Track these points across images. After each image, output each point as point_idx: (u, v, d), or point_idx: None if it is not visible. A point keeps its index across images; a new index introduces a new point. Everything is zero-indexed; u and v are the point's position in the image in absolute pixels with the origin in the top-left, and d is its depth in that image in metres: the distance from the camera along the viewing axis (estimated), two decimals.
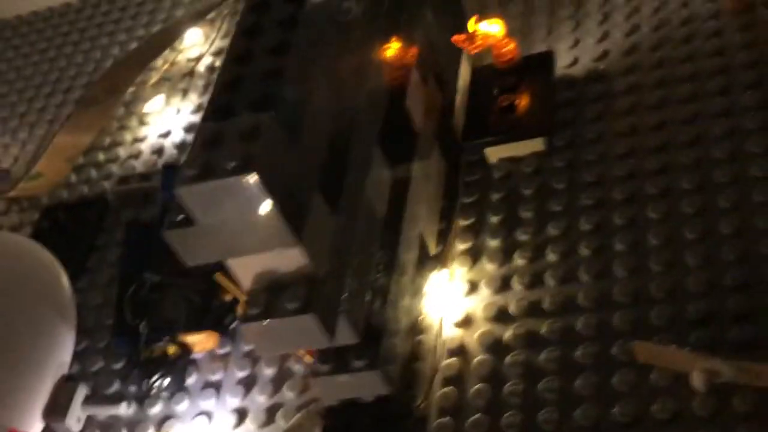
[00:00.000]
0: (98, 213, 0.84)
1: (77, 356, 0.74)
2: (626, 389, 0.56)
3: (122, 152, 0.90)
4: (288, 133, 0.49)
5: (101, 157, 0.91)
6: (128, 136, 0.91)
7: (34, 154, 0.92)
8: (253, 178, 0.45)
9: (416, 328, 0.63)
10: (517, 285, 0.64)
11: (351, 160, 0.57)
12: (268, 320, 0.50)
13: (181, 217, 0.49)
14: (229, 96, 0.50)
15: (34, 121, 0.99)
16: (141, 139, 0.90)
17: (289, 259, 0.50)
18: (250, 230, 0.48)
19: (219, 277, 0.63)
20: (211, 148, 0.47)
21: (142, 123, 0.92)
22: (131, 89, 0.95)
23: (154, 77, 0.94)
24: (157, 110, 0.92)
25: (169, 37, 0.92)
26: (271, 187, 0.46)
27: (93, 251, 0.82)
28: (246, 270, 0.51)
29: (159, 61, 0.96)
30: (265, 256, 0.50)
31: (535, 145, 0.71)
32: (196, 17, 0.93)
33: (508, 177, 0.71)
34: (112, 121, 0.93)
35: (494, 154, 0.72)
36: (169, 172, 0.78)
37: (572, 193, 0.68)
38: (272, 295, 0.50)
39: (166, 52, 0.95)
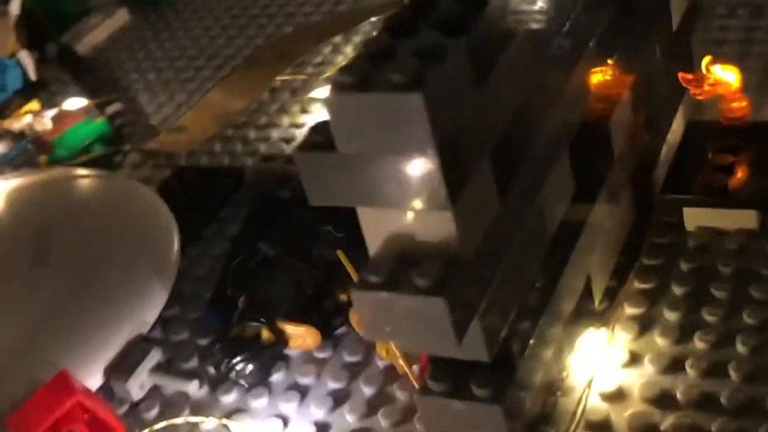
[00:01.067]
0: (231, 185, 0.76)
1: (163, 322, 0.66)
2: None
3: (275, 134, 0.83)
4: (473, 73, 0.39)
5: (252, 134, 0.84)
6: (286, 120, 0.84)
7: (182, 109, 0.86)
8: (419, 101, 0.36)
9: (554, 387, 0.51)
10: (690, 370, 0.52)
11: (532, 156, 0.46)
12: (388, 293, 0.39)
13: (321, 139, 0.39)
14: (412, 14, 0.40)
15: (194, 89, 0.93)
16: (298, 126, 0.83)
17: (434, 226, 0.39)
18: (398, 175, 0.38)
19: (341, 255, 0.53)
20: (376, 60, 0.38)
21: (304, 111, 0.85)
22: (303, 77, 0.88)
23: (329, 71, 0.87)
24: (322, 100, 0.84)
25: (353, 20, 0.85)
26: (437, 120, 0.36)
27: (215, 221, 0.75)
28: (378, 228, 0.41)
29: (339, 57, 0.89)
30: (406, 216, 0.40)
31: (746, 219, 0.59)
32: (385, 7, 0.85)
33: (705, 249, 0.59)
34: (271, 104, 0.86)
35: (694, 219, 0.60)
36: None
37: None
38: (401, 266, 0.40)
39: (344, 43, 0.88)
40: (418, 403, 0.46)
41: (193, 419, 0.56)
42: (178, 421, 0.55)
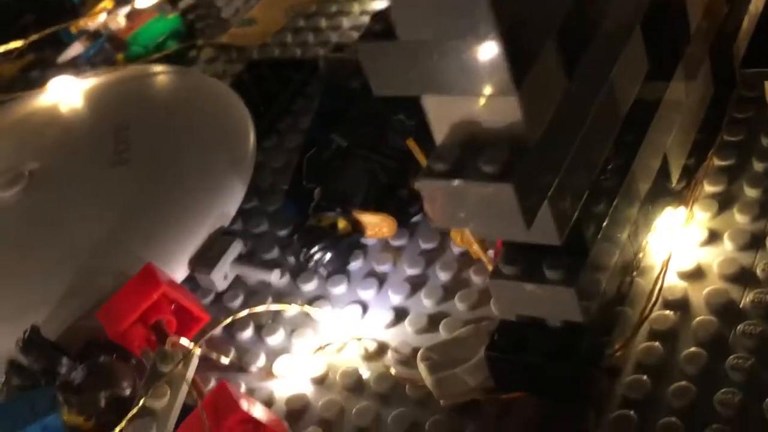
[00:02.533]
0: (304, 76, 0.77)
1: (243, 215, 0.67)
2: None
3: (346, 22, 0.82)
4: None
5: (323, 23, 0.83)
6: (356, 7, 0.83)
7: (252, 2, 0.85)
8: None
9: (630, 267, 0.51)
10: None
11: (602, 33, 0.45)
12: (455, 181, 0.39)
13: (382, 28, 0.39)
14: None
15: None
16: (369, 12, 0.82)
17: (500, 112, 0.39)
18: (461, 60, 0.37)
19: (411, 143, 0.53)
20: None
21: None
22: None
23: None
24: None
25: None
26: (497, 1, 0.35)
27: (288, 114, 0.75)
28: (443, 116, 0.41)
29: None
30: (471, 102, 0.39)
31: None
32: None
33: None
34: None
35: None
36: None
37: None
38: (467, 152, 0.40)
39: None
40: (491, 286, 0.46)
41: (274, 307, 0.57)
42: (260, 309, 0.57)
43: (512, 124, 0.39)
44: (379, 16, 0.39)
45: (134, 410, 0.49)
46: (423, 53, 0.38)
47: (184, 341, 0.53)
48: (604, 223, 0.46)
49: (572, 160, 0.42)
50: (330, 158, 0.61)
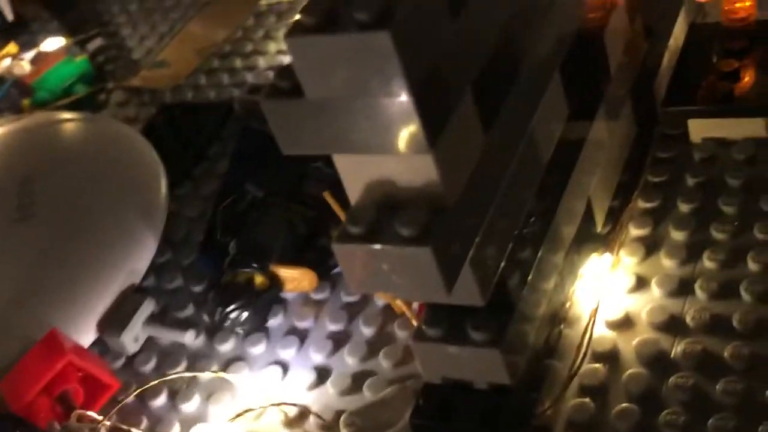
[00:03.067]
0: (219, 119, 0.74)
1: (156, 269, 0.64)
2: None
3: (262, 62, 0.79)
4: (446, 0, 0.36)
5: (238, 63, 0.80)
6: (273, 47, 0.81)
7: (164, 42, 0.82)
8: (386, 39, 0.33)
9: (558, 318, 0.49)
10: (700, 292, 0.49)
11: (520, 81, 0.43)
12: (372, 245, 0.37)
13: (287, 85, 0.37)
14: None
15: (177, 18, 0.90)
16: (286, 52, 0.80)
17: (415, 171, 0.37)
18: (372, 119, 0.35)
19: (328, 196, 0.51)
20: None
21: None
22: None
23: None
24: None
25: None
26: (408, 57, 0.33)
27: (203, 159, 0.72)
28: (357, 175, 0.38)
29: None
30: (385, 161, 0.37)
31: (755, 127, 0.55)
32: None
33: (712, 161, 0.56)
34: (256, 30, 0.83)
35: (699, 130, 0.57)
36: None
37: None
38: (383, 214, 0.37)
39: None
40: (414, 349, 0.44)
41: (188, 374, 0.54)
42: (173, 376, 0.54)
43: (429, 184, 0.37)
44: (284, 70, 0.37)
45: None
46: (331, 112, 0.36)
47: (91, 414, 0.49)
48: (529, 276, 0.44)
49: (493, 215, 0.40)
50: (245, 209, 0.58)
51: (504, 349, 0.41)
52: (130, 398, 0.55)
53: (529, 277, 0.45)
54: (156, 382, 0.53)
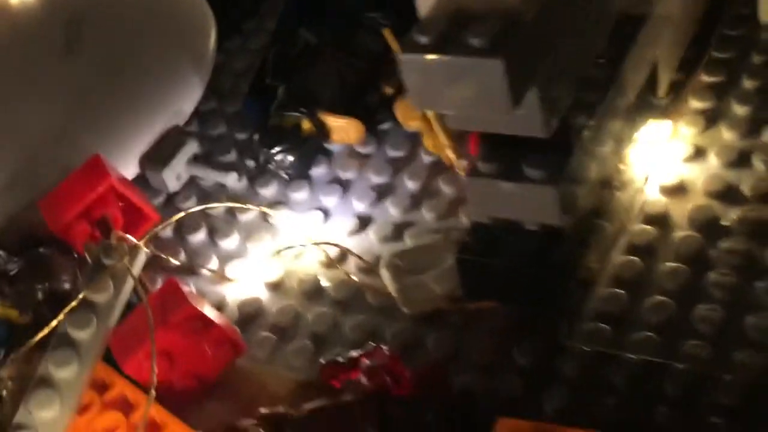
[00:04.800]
0: None
1: (201, 117, 0.63)
2: None
3: None
4: None
5: None
6: None
7: None
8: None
9: (611, 180, 0.48)
10: (759, 164, 0.48)
11: None
12: (439, 54, 0.36)
13: None
14: None
15: None
16: None
17: None
18: None
19: (387, 34, 0.50)
20: None
21: None
22: None
23: None
24: None
25: None
26: None
27: (254, 15, 0.71)
28: None
29: None
30: None
31: None
32: None
33: None
34: None
35: None
36: None
37: None
38: (454, 25, 0.36)
39: None
40: (467, 184, 0.43)
41: (230, 205, 0.54)
42: (215, 205, 0.53)
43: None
44: None
45: (73, 303, 0.45)
46: None
47: (131, 238, 0.49)
48: (591, 123, 0.43)
49: (566, 46, 0.39)
50: (297, 55, 0.57)
51: (560, 188, 0.40)
52: (169, 231, 0.55)
53: (590, 126, 0.43)
54: (197, 209, 0.52)
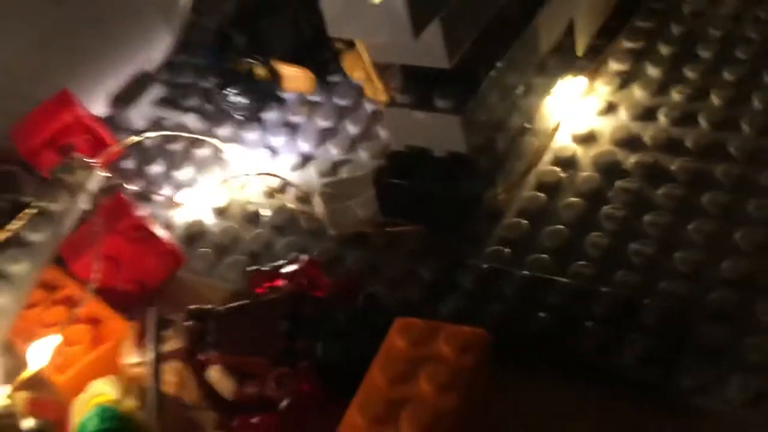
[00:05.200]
0: None
1: (172, 67, 0.68)
2: (748, 247, 0.44)
3: None
4: None
5: None
6: None
7: None
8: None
9: (523, 125, 0.52)
10: (663, 118, 0.53)
11: None
12: None
13: None
14: None
15: None
16: None
17: None
18: None
19: None
20: None
21: None
22: None
23: None
24: None
25: None
26: None
27: None
28: None
29: None
30: None
31: None
32: None
33: (699, 15, 0.59)
34: None
35: None
36: None
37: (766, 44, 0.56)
38: None
39: None
40: (385, 114, 0.48)
41: (181, 135, 0.59)
42: (167, 133, 0.58)
43: None
44: None
45: (30, 211, 0.50)
46: None
47: (87, 160, 0.54)
48: (498, 63, 0.48)
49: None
50: (257, 6, 0.62)
51: (464, 117, 0.45)
52: (131, 161, 0.60)
53: (498, 66, 0.48)
54: (154, 135, 0.57)
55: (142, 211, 0.54)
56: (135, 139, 0.56)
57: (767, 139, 0.50)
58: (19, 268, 0.48)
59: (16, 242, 0.49)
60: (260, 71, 0.61)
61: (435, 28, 0.42)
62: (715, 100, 0.53)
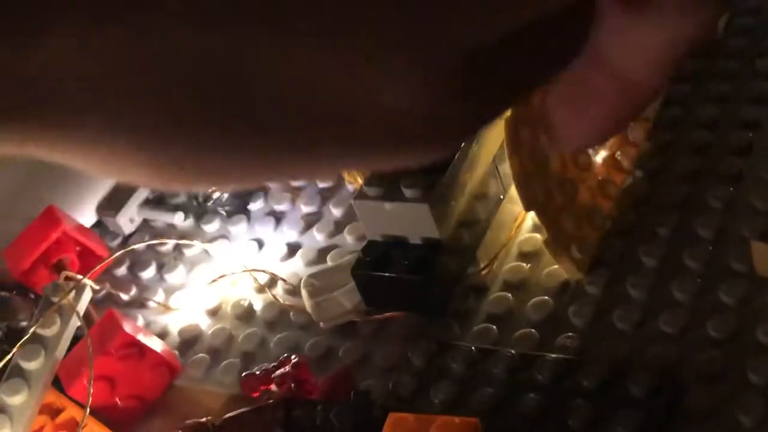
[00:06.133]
0: None
1: None
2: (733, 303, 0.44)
3: None
4: None
5: None
6: None
7: None
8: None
9: (499, 193, 0.52)
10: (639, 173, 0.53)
11: None
12: None
13: None
14: None
15: None
16: None
17: None
18: None
19: None
20: None
21: None
22: None
23: None
24: None
25: None
26: None
27: None
28: None
29: None
30: None
31: None
32: None
33: None
34: None
35: None
36: None
37: None
38: None
39: None
40: (356, 207, 0.48)
41: (168, 242, 0.60)
42: (156, 242, 0.59)
43: None
44: None
45: (25, 338, 0.51)
46: None
47: (78, 276, 0.55)
48: (464, 144, 0.48)
49: None
50: None
51: (432, 205, 0.45)
52: (123, 269, 0.61)
53: (463, 147, 0.48)
54: (142, 245, 0.58)
55: (136, 320, 0.55)
56: (116, 254, 0.57)
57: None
58: (16, 399, 0.49)
59: (11, 372, 0.50)
60: None
61: None
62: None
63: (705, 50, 0.56)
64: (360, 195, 0.47)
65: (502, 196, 0.52)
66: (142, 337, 0.51)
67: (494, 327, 0.48)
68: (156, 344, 0.52)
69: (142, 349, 0.51)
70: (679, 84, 0.55)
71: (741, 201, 0.49)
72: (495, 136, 0.50)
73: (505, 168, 0.52)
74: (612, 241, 0.49)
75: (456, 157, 0.48)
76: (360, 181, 0.56)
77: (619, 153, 0.52)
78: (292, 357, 0.48)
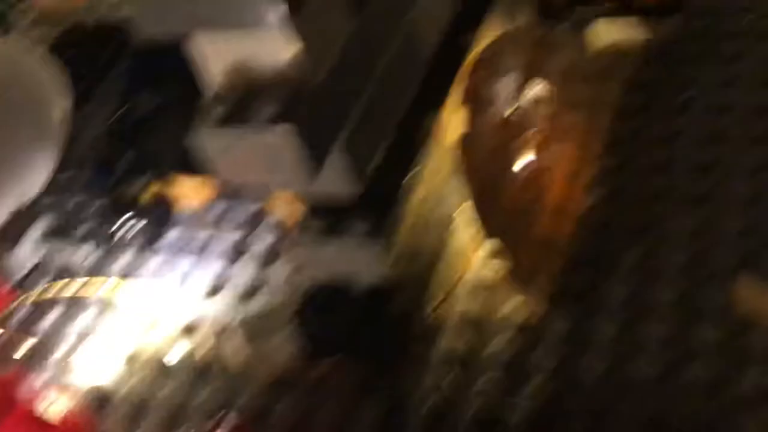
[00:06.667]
0: (121, 39, 0.71)
1: (57, 186, 0.62)
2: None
3: None
4: None
5: None
6: None
7: None
8: None
9: (448, 220, 0.48)
10: None
11: None
12: (231, 127, 0.35)
13: None
14: None
15: None
16: None
17: (277, 50, 0.35)
18: None
19: None
20: None
21: None
22: None
23: None
24: None
25: None
26: None
27: (106, 81, 0.70)
28: (219, 58, 0.37)
29: None
30: (246, 40, 0.36)
31: None
32: None
33: None
34: None
35: None
36: None
37: None
38: (245, 97, 0.36)
39: None
40: (294, 252, 0.43)
41: (76, 288, 0.53)
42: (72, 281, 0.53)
43: (293, 63, 0.35)
44: None
45: None
46: None
47: None
48: (408, 176, 0.43)
49: (368, 104, 0.39)
50: (142, 119, 0.56)
51: (381, 244, 0.40)
52: (23, 313, 0.54)
53: (408, 180, 0.43)
54: (48, 294, 0.51)
55: (36, 378, 0.48)
56: (21, 299, 0.50)
57: None
58: None
59: None
60: (153, 190, 0.55)
61: (336, 158, 0.37)
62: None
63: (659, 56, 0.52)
64: (300, 228, 0.42)
65: (454, 225, 0.47)
66: (51, 406, 0.44)
67: (454, 371, 0.43)
68: (65, 408, 0.45)
69: (43, 427, 0.44)
70: (635, 93, 0.52)
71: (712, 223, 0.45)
72: (445, 162, 0.46)
73: (458, 195, 0.48)
74: (575, 271, 0.45)
75: (402, 187, 0.42)
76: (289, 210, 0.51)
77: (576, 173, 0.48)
78: (231, 415, 0.42)
